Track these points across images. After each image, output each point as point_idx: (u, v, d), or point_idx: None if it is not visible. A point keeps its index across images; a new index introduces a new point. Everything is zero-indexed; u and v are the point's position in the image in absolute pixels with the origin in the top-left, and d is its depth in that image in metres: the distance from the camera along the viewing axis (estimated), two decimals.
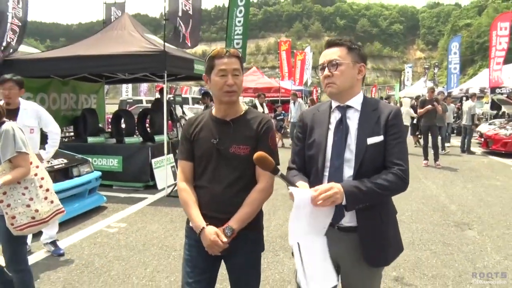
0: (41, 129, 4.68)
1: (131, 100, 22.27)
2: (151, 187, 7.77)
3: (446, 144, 13.21)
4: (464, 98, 18.19)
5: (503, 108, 18.96)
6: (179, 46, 8.00)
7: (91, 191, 6.36)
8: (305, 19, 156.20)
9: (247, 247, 2.16)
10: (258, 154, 1.85)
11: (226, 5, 9.82)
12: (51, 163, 5.58)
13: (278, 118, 13.76)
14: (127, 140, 8.28)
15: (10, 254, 3.02)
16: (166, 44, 7.18)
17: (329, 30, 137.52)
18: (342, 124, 1.98)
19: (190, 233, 2.22)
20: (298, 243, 1.82)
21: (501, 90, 17.45)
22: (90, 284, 3.87)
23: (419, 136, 14.18)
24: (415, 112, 12.94)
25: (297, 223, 1.79)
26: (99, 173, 6.55)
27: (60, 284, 3.86)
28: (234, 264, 2.20)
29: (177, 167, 3.81)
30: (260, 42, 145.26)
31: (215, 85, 2.09)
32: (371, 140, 1.91)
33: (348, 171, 1.91)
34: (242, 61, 2.17)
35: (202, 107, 13.14)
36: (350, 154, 1.93)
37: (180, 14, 7.05)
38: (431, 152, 10.69)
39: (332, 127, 2.01)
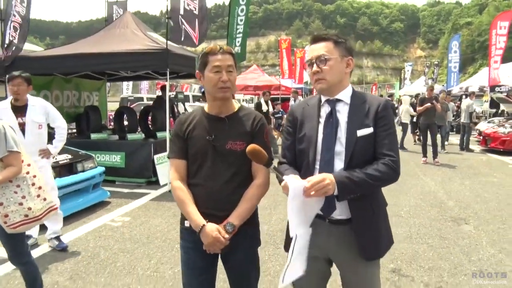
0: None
1: (132, 98, 22.37)
2: (154, 183, 7.88)
3: (445, 143, 13.31)
4: (464, 97, 18.28)
5: (502, 107, 19.06)
6: (180, 44, 8.09)
7: (95, 186, 6.48)
8: (305, 17, 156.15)
9: (246, 242, 2.17)
10: (251, 146, 1.85)
11: (227, 3, 9.91)
12: (56, 159, 5.69)
13: (276, 116, 13.82)
14: (130, 136, 8.39)
15: (10, 249, 3.10)
16: (168, 42, 7.30)
17: (329, 28, 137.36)
18: (332, 118, 1.98)
19: (185, 235, 2.21)
20: (296, 234, 1.83)
21: (500, 89, 17.55)
22: (97, 275, 3.99)
23: (418, 133, 14.29)
24: (415, 110, 13.06)
25: (293, 215, 1.80)
26: (102, 169, 6.68)
27: (67, 275, 3.98)
28: (234, 261, 2.20)
29: None
30: (260, 40, 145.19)
31: (209, 81, 2.09)
32: (361, 132, 1.91)
33: (339, 163, 1.92)
34: (235, 58, 2.17)
35: (203, 104, 13.22)
36: (340, 147, 1.93)
37: (182, 12, 7.15)
38: (430, 149, 10.81)
39: (322, 120, 2.02)
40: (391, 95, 19.16)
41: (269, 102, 12.28)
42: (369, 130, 1.92)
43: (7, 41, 7.66)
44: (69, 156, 6.13)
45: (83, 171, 6.23)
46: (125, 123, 9.72)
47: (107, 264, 4.24)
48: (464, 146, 13.40)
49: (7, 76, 4.45)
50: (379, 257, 2.04)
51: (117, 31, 8.35)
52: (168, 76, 7.50)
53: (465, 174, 9.23)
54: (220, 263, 2.28)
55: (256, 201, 2.13)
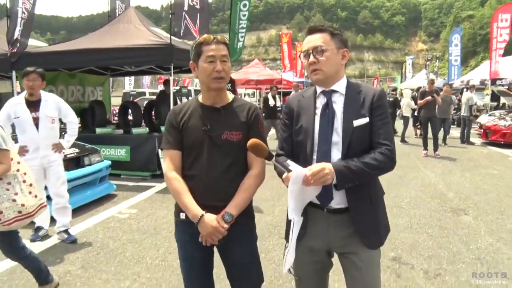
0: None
1: (135, 93, 22.50)
2: (158, 176, 8.01)
3: (447, 136, 13.40)
4: (465, 90, 18.36)
5: (503, 100, 19.12)
6: (180, 38, 8.17)
7: (101, 179, 6.62)
8: (306, 10, 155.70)
9: (243, 235, 2.18)
10: (252, 141, 1.85)
11: None
12: (64, 153, 5.82)
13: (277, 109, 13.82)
14: (135, 130, 8.51)
15: (5, 247, 3.18)
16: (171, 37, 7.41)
17: (330, 21, 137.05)
18: (328, 109, 1.99)
19: (181, 228, 2.21)
20: (294, 218, 1.88)
21: (501, 82, 17.61)
22: (107, 264, 4.12)
23: (419, 127, 14.39)
24: (416, 103, 13.14)
25: (292, 199, 1.84)
26: (109, 162, 6.81)
27: (79, 264, 4.12)
28: (233, 256, 2.20)
29: None
30: (261, 34, 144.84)
31: (203, 71, 2.07)
32: (357, 123, 1.92)
33: (336, 154, 1.93)
34: (229, 48, 2.15)
35: None
36: (337, 137, 1.94)
37: (186, 8, 7.25)
38: (431, 142, 10.92)
39: (318, 112, 2.02)
40: (394, 89, 19.18)
41: (277, 96, 12.33)
42: (365, 120, 1.93)
43: (14, 37, 7.76)
44: (76, 150, 6.26)
45: (90, 164, 6.36)
46: (129, 118, 9.83)
47: (117, 254, 4.38)
48: (465, 139, 13.51)
49: (22, 71, 4.56)
50: (381, 245, 2.06)
51: (121, 26, 8.47)
52: (172, 71, 7.61)
53: (465, 167, 9.35)
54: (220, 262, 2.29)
55: (253, 191, 2.13)
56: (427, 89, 11.34)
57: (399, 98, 17.15)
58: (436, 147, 10.86)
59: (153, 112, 9.71)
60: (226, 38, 2.14)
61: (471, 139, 13.55)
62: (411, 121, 15.24)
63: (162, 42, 7.45)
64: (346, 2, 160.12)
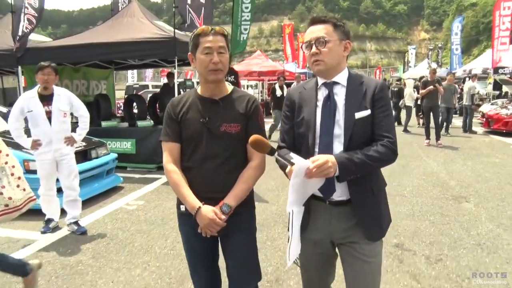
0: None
1: (138, 86, 22.57)
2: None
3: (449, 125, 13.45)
4: (467, 79, 18.36)
5: (505, 88, 19.11)
6: (184, 31, 8.23)
7: (108, 172, 6.74)
8: (308, 1, 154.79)
9: (242, 224, 2.17)
10: (254, 137, 1.82)
11: None
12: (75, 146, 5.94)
13: None
14: (140, 123, 8.60)
15: None
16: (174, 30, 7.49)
17: (332, 12, 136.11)
18: (329, 101, 1.98)
19: (182, 220, 2.23)
20: (292, 210, 1.87)
21: (504, 71, 17.60)
22: (117, 254, 4.25)
23: (421, 116, 14.44)
24: (418, 93, 13.18)
25: (293, 191, 1.83)
26: (115, 155, 6.93)
27: (89, 254, 4.24)
28: (231, 248, 2.20)
29: None
30: (263, 25, 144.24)
31: (201, 63, 2.05)
32: (359, 115, 1.92)
33: (338, 146, 1.93)
34: (228, 39, 2.12)
35: None
36: (339, 130, 1.93)
37: (189, 2, 7.32)
38: (433, 131, 10.98)
39: (320, 104, 2.01)
40: (399, 79, 19.15)
41: (285, 87, 12.44)
42: (367, 112, 1.93)
43: (20, 33, 7.84)
44: (84, 143, 6.35)
45: (97, 157, 6.47)
46: (134, 111, 9.93)
47: (126, 244, 4.50)
48: (467, 128, 13.56)
49: (37, 66, 4.66)
50: (383, 236, 2.06)
51: (125, 20, 8.53)
52: (176, 64, 7.69)
53: (467, 155, 9.42)
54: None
55: (252, 183, 2.13)
56: (429, 79, 11.37)
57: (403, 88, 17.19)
58: (438, 136, 10.93)
59: (157, 105, 9.81)
60: (225, 29, 2.13)
61: (474, 128, 13.60)
62: (413, 111, 15.28)
63: (166, 35, 7.51)
64: None
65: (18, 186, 3.00)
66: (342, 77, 2.02)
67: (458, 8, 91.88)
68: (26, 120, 4.75)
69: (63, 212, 5.01)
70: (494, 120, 13.08)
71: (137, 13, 8.58)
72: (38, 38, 10.62)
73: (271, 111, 15.36)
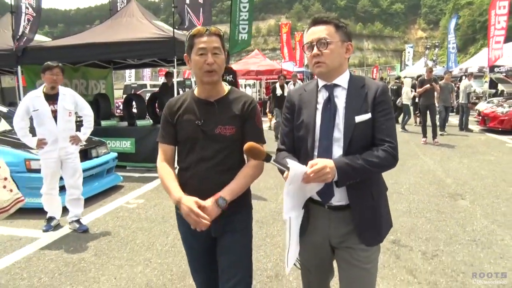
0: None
1: (136, 85, 22.59)
2: None
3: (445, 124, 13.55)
4: (464, 77, 18.48)
5: (500, 87, 19.24)
6: (184, 31, 8.29)
7: (108, 171, 6.80)
8: (305, 0, 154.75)
9: (237, 223, 2.17)
10: (248, 145, 1.79)
11: None
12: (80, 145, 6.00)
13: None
14: (139, 123, 8.66)
15: None
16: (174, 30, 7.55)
17: (329, 11, 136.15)
18: (330, 103, 1.95)
19: (180, 219, 2.22)
20: (290, 217, 1.85)
21: (499, 69, 17.71)
22: (119, 251, 4.31)
23: (418, 114, 14.54)
24: (415, 91, 13.27)
25: (289, 198, 1.82)
26: (115, 154, 7.00)
27: (92, 251, 4.31)
28: (227, 245, 2.17)
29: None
30: (260, 24, 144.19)
31: (195, 64, 2.03)
32: (359, 118, 1.88)
33: (338, 150, 1.89)
34: (223, 40, 2.10)
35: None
36: (338, 134, 1.90)
37: (187, 1, 7.38)
38: (430, 130, 11.08)
39: (320, 106, 1.97)
40: (398, 78, 19.20)
41: (285, 85, 12.47)
42: (367, 116, 1.89)
43: (20, 33, 7.89)
44: (84, 142, 6.38)
45: (97, 156, 6.53)
46: (133, 110, 9.98)
47: (128, 241, 4.57)
48: (463, 126, 13.66)
49: (44, 65, 4.70)
50: (380, 242, 2.03)
51: (124, 20, 8.58)
52: (175, 63, 7.76)
53: (463, 153, 9.52)
54: None
55: (249, 180, 2.11)
56: (425, 77, 11.47)
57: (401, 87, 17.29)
58: (435, 135, 11.03)
59: (156, 104, 9.86)
60: (220, 30, 2.10)
61: (470, 126, 13.70)
62: (411, 109, 15.38)
63: (165, 35, 7.58)
64: None
65: (4, 187, 2.89)
66: (343, 80, 1.98)
67: (455, 7, 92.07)
68: (30, 119, 4.80)
69: (64, 211, 5.07)
70: (490, 118, 13.19)
71: (136, 13, 8.64)
72: (36, 38, 10.64)
73: (267, 110, 15.43)
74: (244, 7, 9.06)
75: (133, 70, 26.98)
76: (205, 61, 2.00)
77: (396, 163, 1.91)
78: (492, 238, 4.42)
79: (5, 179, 2.93)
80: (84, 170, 6.05)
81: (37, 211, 5.27)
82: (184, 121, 2.11)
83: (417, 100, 14.09)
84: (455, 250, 4.13)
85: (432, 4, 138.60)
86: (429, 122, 11.11)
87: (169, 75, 10.43)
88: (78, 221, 4.97)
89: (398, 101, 15.03)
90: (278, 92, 12.23)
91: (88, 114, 5.04)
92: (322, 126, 1.93)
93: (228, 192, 2.00)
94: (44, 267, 3.92)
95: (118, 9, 10.60)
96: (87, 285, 3.56)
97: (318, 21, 1.97)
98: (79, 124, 5.17)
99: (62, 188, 5.04)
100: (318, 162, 1.75)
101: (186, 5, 7.42)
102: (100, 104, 9.04)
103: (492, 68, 17.43)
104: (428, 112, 11.25)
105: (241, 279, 2.13)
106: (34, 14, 8.19)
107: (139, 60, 10.03)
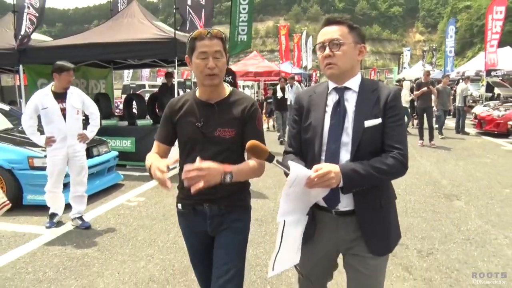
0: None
1: (134, 85, 22.68)
2: None
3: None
4: (461, 81, 18.65)
5: (496, 90, 19.41)
6: (186, 32, 8.40)
7: (109, 169, 6.89)
8: (303, 1, 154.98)
9: (235, 223, 2.16)
10: (250, 143, 1.74)
11: None
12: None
13: (269, 101, 13.56)
14: (139, 122, 8.75)
15: None
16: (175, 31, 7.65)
17: (328, 13, 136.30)
18: (339, 107, 1.89)
19: (180, 218, 2.27)
20: (284, 220, 1.79)
21: (496, 73, 17.89)
22: (121, 247, 4.40)
23: (415, 117, 14.66)
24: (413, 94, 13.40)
25: (287, 201, 1.76)
26: (116, 153, 7.09)
27: (95, 247, 4.40)
28: (220, 243, 2.17)
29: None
30: (259, 26, 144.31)
31: (197, 68, 2.02)
32: (368, 123, 1.82)
33: (345, 155, 1.84)
34: (225, 43, 2.08)
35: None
36: (347, 138, 1.85)
37: (189, 3, 7.48)
38: (427, 132, 11.21)
39: (329, 109, 1.92)
40: (399, 81, 19.28)
41: (286, 88, 12.34)
42: (377, 121, 1.83)
43: (22, 32, 7.97)
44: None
45: (98, 155, 6.61)
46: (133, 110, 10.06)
47: (129, 238, 4.66)
48: (460, 129, 13.80)
49: (60, 66, 4.81)
50: (389, 252, 1.97)
51: (125, 21, 8.66)
52: (176, 64, 7.86)
53: (459, 156, 9.65)
54: None
55: (254, 169, 2.05)
56: (423, 80, 11.61)
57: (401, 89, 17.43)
58: (431, 137, 11.15)
59: (156, 105, 9.95)
60: (222, 32, 2.08)
61: (466, 129, 13.85)
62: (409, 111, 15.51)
63: (166, 36, 7.67)
64: None
65: None
66: (354, 83, 1.93)
67: (453, 11, 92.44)
68: (38, 118, 4.87)
69: (66, 208, 5.15)
70: (486, 122, 13.35)
71: (137, 14, 8.72)
72: (36, 37, 10.72)
73: (263, 111, 15.46)
74: (244, 9, 9.16)
75: (131, 70, 27.05)
76: (206, 65, 1.99)
77: (406, 171, 1.85)
78: (486, 237, 4.54)
79: None
80: None
81: (40, 208, 5.36)
82: (184, 122, 2.11)
83: (415, 103, 14.26)
84: (450, 248, 4.24)
85: (430, 8, 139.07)
86: (426, 124, 11.24)
87: (169, 76, 10.53)
88: (80, 218, 5.05)
89: None
90: (279, 94, 12.20)
91: (94, 112, 5.14)
92: (330, 129, 1.89)
93: (236, 169, 1.94)
94: (49, 262, 4.00)
95: (119, 10, 10.71)
96: (91, 279, 3.65)
97: (331, 21, 1.91)
98: (83, 123, 5.25)
99: (65, 185, 5.12)
100: (323, 167, 1.71)
101: (188, 6, 7.52)
102: (101, 104, 9.08)
103: (488, 72, 17.61)
104: (425, 114, 11.38)
105: (233, 277, 2.12)
106: (37, 15, 8.27)
107: (139, 61, 10.12)
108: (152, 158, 2.05)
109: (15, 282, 3.60)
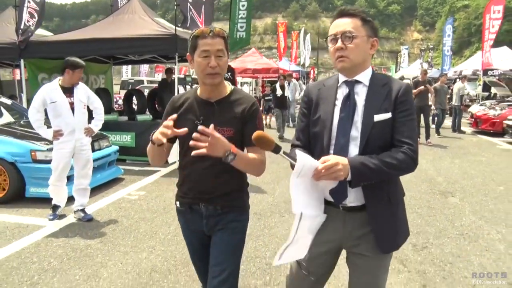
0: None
1: (133, 81, 22.72)
2: None
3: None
4: (457, 80, 18.79)
5: (493, 90, 19.57)
6: (186, 29, 8.47)
7: (110, 163, 6.97)
8: None
9: (231, 224, 2.16)
10: (257, 133, 1.74)
11: None
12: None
13: (266, 98, 13.58)
14: (139, 117, 8.84)
15: None
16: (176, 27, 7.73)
17: (326, 10, 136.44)
18: (349, 100, 1.87)
19: (179, 215, 2.29)
20: (301, 213, 1.76)
21: (493, 72, 18.03)
22: (124, 239, 4.50)
23: None
24: None
25: (299, 193, 1.75)
26: (117, 147, 7.18)
27: (97, 239, 4.49)
28: (216, 243, 2.17)
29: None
30: (257, 23, 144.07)
31: (198, 66, 2.01)
32: (378, 117, 1.79)
33: (354, 149, 1.81)
34: (227, 41, 2.07)
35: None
36: (356, 132, 1.82)
37: (190, 0, 7.55)
38: (423, 130, 11.34)
39: (338, 103, 1.90)
40: (401, 78, 19.40)
41: (285, 85, 12.36)
42: (387, 115, 1.81)
43: (22, 26, 8.03)
44: None
45: (99, 149, 6.69)
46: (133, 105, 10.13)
47: (131, 230, 4.76)
48: (456, 128, 13.93)
49: (75, 63, 4.88)
50: (396, 249, 1.94)
51: (126, 17, 8.73)
52: (176, 60, 7.95)
53: (455, 154, 9.79)
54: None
55: (255, 163, 2.03)
56: (420, 79, 11.72)
57: None
58: (428, 135, 11.28)
59: (156, 100, 10.03)
60: (224, 30, 2.07)
61: (462, 128, 13.97)
62: None
63: (167, 32, 7.75)
64: None
65: None
66: (365, 76, 1.90)
67: (451, 10, 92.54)
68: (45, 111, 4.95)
69: (68, 200, 5.23)
70: (482, 121, 13.49)
71: (138, 10, 8.79)
72: (37, 32, 10.76)
73: (261, 109, 15.56)
74: (243, 6, 9.24)
75: (129, 66, 27.08)
76: (208, 63, 1.98)
77: (416, 167, 1.82)
78: (479, 232, 4.66)
79: None
80: None
81: (42, 201, 5.45)
82: (183, 119, 2.09)
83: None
84: (444, 243, 4.36)
85: (428, 6, 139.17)
86: (422, 123, 11.36)
87: (169, 71, 10.60)
88: (83, 210, 5.14)
89: None
90: (279, 92, 12.22)
91: (99, 107, 5.25)
92: (340, 123, 1.86)
93: (240, 156, 1.90)
94: (53, 252, 4.10)
95: (119, 5, 10.77)
96: (95, 269, 3.75)
97: (344, 13, 1.88)
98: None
99: (69, 178, 5.21)
100: (330, 159, 1.70)
101: (189, 3, 7.59)
102: (102, 99, 9.11)
103: (485, 71, 17.74)
104: (421, 113, 11.48)
105: (227, 278, 2.12)
106: (38, 8, 8.32)
107: (139, 56, 10.19)
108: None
109: (21, 271, 3.70)
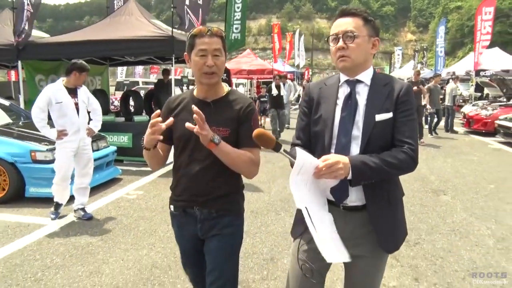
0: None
1: (128, 82, 22.77)
2: None
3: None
4: (450, 80, 19.01)
5: (486, 90, 19.82)
6: (184, 31, 8.57)
7: (108, 164, 7.06)
8: (296, 0, 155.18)
9: (226, 229, 2.13)
10: (258, 131, 1.74)
11: None
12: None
13: (261, 99, 13.69)
14: (136, 118, 8.92)
15: None
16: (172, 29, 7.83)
17: (320, 11, 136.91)
18: (351, 100, 1.87)
19: (172, 219, 2.26)
20: (306, 207, 1.74)
21: (485, 73, 18.27)
22: (124, 237, 4.60)
23: None
24: None
25: (298, 189, 1.73)
26: (114, 148, 7.27)
27: (98, 237, 4.59)
28: (211, 248, 2.14)
29: None
30: (251, 24, 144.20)
31: (195, 65, 2.00)
32: (379, 117, 1.80)
33: (355, 148, 1.82)
34: (225, 41, 2.06)
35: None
36: (357, 131, 1.82)
37: (187, 2, 7.66)
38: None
39: (340, 102, 1.90)
40: None
41: (281, 85, 12.38)
42: (389, 115, 1.82)
43: (21, 28, 8.10)
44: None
45: (97, 150, 6.77)
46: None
47: (131, 228, 4.86)
48: (449, 128, 14.11)
49: (82, 66, 4.99)
50: (396, 249, 1.96)
51: (123, 18, 8.83)
52: (173, 61, 8.05)
53: (447, 153, 9.96)
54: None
55: (244, 158, 2.01)
56: (413, 80, 11.89)
57: None
58: (421, 135, 11.45)
59: (152, 101, 10.12)
60: (222, 30, 2.06)
61: (455, 128, 14.17)
62: None
63: (164, 33, 7.85)
64: None
65: None
66: (366, 76, 1.91)
67: (444, 11, 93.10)
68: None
69: (68, 200, 5.31)
70: (474, 121, 13.70)
71: (135, 12, 8.89)
72: (33, 33, 10.82)
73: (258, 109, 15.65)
74: (238, 7, 9.34)
75: (125, 68, 27.12)
76: (204, 63, 1.97)
77: (416, 167, 1.85)
78: (470, 228, 4.81)
79: None
80: None
81: (42, 200, 5.55)
82: (179, 119, 2.05)
83: None
84: (436, 239, 4.50)
85: (422, 8, 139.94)
86: None
87: (166, 72, 10.70)
88: (83, 209, 5.23)
89: None
90: (274, 92, 12.25)
91: (97, 108, 5.36)
92: (341, 122, 1.87)
93: (224, 144, 1.92)
94: (55, 250, 4.19)
95: (115, 7, 10.86)
96: (97, 266, 3.85)
97: (346, 13, 1.89)
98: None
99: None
100: (331, 157, 1.71)
101: (185, 6, 7.70)
102: (98, 100, 9.23)
103: (478, 72, 17.97)
104: None
105: (224, 284, 2.10)
106: (32, 11, 8.39)
107: (135, 58, 10.28)
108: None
109: (24, 268, 3.79)
